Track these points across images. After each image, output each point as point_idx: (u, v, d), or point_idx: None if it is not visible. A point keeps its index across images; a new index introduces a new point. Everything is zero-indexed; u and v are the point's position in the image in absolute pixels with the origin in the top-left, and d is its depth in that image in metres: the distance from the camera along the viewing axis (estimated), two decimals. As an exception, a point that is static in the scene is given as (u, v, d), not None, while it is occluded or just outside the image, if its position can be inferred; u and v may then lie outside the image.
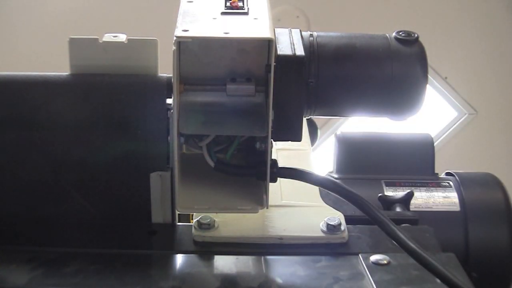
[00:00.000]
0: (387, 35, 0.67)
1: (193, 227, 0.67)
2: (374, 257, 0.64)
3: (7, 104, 0.67)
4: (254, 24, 0.63)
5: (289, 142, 0.65)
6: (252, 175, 0.64)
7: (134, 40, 0.67)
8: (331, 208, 0.71)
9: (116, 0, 2.37)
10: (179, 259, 0.65)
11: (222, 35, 0.61)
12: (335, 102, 0.67)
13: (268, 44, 0.61)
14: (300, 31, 0.67)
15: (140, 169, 0.68)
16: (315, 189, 0.73)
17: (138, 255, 0.65)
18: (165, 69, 0.68)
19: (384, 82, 0.65)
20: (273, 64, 0.60)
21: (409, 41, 0.66)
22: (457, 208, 0.80)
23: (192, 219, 0.74)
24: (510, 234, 0.78)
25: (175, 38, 0.60)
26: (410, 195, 0.76)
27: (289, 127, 0.62)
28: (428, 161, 0.86)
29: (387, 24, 1.95)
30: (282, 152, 0.78)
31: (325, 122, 2.43)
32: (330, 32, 0.67)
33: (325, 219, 0.68)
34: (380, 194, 0.77)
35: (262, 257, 0.65)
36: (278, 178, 0.64)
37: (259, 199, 0.64)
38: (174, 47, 0.60)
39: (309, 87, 0.63)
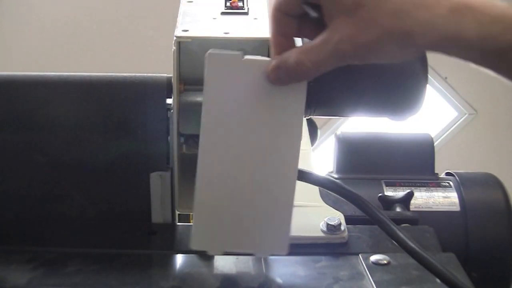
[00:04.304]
0: (387, 35, 0.67)
1: (193, 227, 0.67)
2: (374, 257, 0.64)
3: (7, 104, 0.67)
4: (254, 24, 0.63)
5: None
6: (252, 175, 0.64)
7: None
8: (331, 208, 0.71)
9: (116, 1, 2.37)
10: (179, 259, 0.65)
11: (222, 35, 0.61)
12: (335, 102, 0.66)
13: (268, 44, 0.61)
14: (300, 31, 0.66)
15: (140, 169, 0.68)
16: (315, 189, 0.73)
17: (138, 255, 0.65)
18: (165, 69, 0.68)
19: (384, 82, 0.65)
20: (273, 64, 0.60)
21: (409, 41, 0.66)
22: (457, 208, 0.80)
23: (192, 219, 0.74)
24: (510, 234, 0.78)
25: (175, 38, 0.60)
26: (410, 195, 0.76)
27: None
28: (428, 161, 0.86)
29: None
30: (282, 152, 0.78)
31: (325, 122, 2.43)
32: (330, 32, 0.66)
33: (325, 219, 0.68)
34: (380, 194, 0.77)
35: (262, 257, 0.65)
36: (278, 178, 0.64)
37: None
38: (174, 47, 0.60)
39: (309, 87, 0.63)
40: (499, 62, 0.49)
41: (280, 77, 0.55)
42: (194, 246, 0.60)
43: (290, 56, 0.53)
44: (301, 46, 0.54)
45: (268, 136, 0.57)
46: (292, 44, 0.56)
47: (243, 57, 0.55)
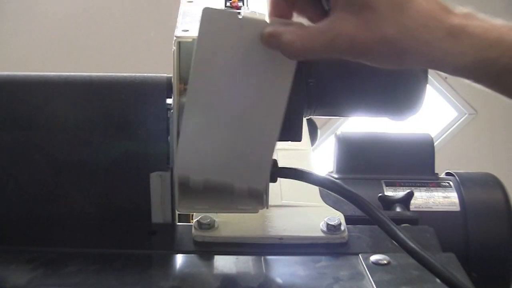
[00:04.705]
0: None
1: (193, 227, 0.68)
2: (374, 257, 0.64)
3: (7, 104, 0.67)
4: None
5: (289, 142, 0.65)
6: (252, 175, 0.64)
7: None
8: (331, 208, 0.71)
9: (116, 1, 2.37)
10: (179, 259, 0.65)
11: (222, 35, 0.60)
12: (335, 102, 0.67)
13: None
14: (300, 31, 0.66)
15: (140, 169, 0.68)
16: (315, 189, 0.73)
17: (138, 255, 0.65)
18: (165, 69, 0.68)
19: (384, 82, 0.65)
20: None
21: (409, 41, 0.66)
22: (457, 208, 0.80)
23: (192, 219, 0.74)
24: (510, 234, 0.78)
25: (175, 38, 0.60)
26: (410, 195, 0.76)
27: (289, 127, 0.62)
28: (428, 161, 0.86)
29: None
30: (282, 152, 0.78)
31: (325, 122, 2.43)
32: (330, 32, 0.66)
33: (325, 219, 0.68)
34: (380, 194, 0.77)
35: (262, 257, 0.65)
36: (278, 178, 0.64)
37: (259, 199, 0.64)
38: (174, 47, 0.60)
39: (309, 87, 0.63)
40: (494, 83, 0.50)
41: (271, 45, 0.55)
42: (177, 169, 0.62)
43: (286, 32, 0.53)
44: (299, 28, 0.54)
45: (256, 89, 0.59)
46: (289, 11, 0.56)
47: (239, 15, 0.56)
